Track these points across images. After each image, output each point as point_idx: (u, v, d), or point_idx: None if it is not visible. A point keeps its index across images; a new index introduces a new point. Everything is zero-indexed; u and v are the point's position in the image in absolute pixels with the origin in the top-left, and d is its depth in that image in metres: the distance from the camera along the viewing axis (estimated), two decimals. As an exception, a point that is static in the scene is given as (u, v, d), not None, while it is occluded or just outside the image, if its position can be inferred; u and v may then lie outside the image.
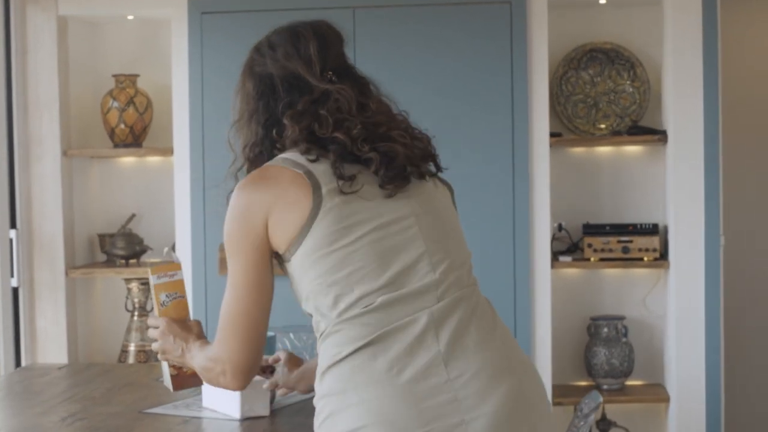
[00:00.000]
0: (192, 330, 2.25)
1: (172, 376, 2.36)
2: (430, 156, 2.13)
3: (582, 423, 2.81)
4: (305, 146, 2.02)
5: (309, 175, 1.98)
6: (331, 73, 2.09)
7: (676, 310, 4.13)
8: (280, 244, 2.01)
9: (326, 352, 1.98)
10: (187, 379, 2.38)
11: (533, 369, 2.06)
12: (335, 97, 2.04)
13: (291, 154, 2.04)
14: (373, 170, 2.01)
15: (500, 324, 2.05)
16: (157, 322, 2.28)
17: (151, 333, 2.28)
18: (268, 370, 2.87)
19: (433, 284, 1.96)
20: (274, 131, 2.08)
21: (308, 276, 2.00)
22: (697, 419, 4.09)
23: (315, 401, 2.02)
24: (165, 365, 2.35)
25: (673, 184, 4.14)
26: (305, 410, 3.02)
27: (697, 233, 4.08)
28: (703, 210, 4.07)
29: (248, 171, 2.10)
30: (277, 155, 2.07)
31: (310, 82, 2.07)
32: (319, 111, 2.03)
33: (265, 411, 2.83)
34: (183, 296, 2.38)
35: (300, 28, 2.16)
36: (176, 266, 2.48)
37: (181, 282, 2.40)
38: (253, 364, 2.05)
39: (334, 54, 2.13)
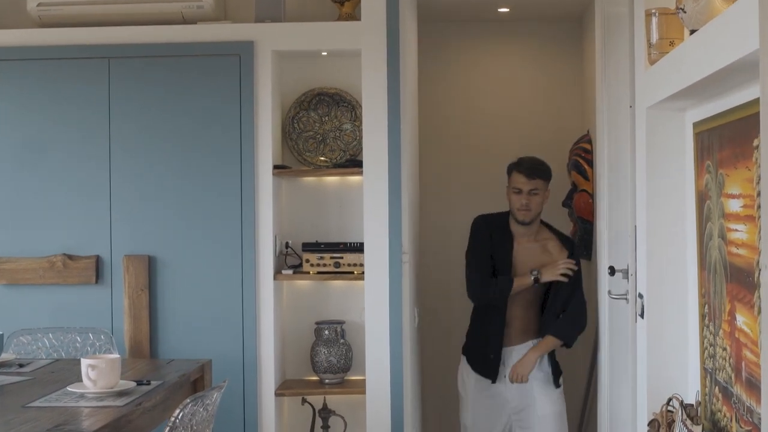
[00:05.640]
0: None
1: None
2: None
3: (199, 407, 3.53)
4: None
5: None
6: None
7: (370, 315, 4.88)
8: None
9: None
10: None
11: None
12: None
13: None
14: None
15: None
16: None
17: None
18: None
19: None
20: None
21: None
22: (384, 406, 4.84)
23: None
24: None
25: (368, 209, 4.89)
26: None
27: (384, 250, 4.84)
28: (387, 231, 4.83)
29: None
30: None
31: None
32: None
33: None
34: None
35: None
36: None
37: None
38: None
39: None
